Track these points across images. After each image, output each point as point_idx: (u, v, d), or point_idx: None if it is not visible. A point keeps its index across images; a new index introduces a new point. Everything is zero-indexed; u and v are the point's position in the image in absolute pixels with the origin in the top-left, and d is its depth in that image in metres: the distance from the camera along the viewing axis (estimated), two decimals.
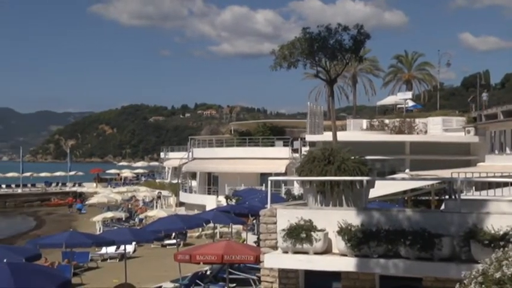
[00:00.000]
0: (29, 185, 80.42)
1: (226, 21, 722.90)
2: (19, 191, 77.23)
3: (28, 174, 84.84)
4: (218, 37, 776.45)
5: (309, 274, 12.59)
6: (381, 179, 18.94)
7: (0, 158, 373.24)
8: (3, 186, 78.45)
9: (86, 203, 61.82)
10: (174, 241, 31.38)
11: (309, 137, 39.35)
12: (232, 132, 59.34)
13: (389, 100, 56.74)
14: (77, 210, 57.32)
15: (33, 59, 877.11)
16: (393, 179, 24.09)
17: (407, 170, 35.19)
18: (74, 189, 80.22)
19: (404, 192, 27.65)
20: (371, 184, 12.92)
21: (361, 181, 12.50)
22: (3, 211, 70.25)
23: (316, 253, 11.94)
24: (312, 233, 11.92)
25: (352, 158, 13.06)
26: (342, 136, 26.94)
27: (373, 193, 14.56)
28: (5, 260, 12.56)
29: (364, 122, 44.83)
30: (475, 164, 34.11)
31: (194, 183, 53.05)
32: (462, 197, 12.40)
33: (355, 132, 42.02)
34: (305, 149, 36.47)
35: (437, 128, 41.14)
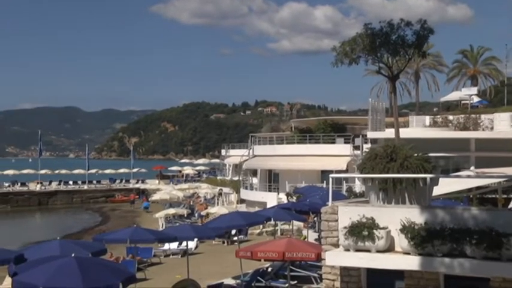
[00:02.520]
0: (95, 182, 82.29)
1: (285, 18, 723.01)
2: (85, 187, 79.17)
3: (93, 171, 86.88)
4: (277, 34, 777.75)
5: (372, 272, 12.45)
6: (445, 176, 18.51)
7: (67, 156, 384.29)
8: (70, 182, 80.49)
9: (149, 199, 62.86)
10: (235, 238, 31.58)
11: (371, 134, 38.88)
12: (293, 129, 59.21)
13: (453, 96, 55.55)
14: (144, 209, 58.24)
15: (98, 60, 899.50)
16: (458, 176, 23.51)
17: (472, 168, 34.31)
18: (137, 186, 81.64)
19: (469, 190, 26.96)
20: (435, 182, 12.66)
21: (425, 179, 12.27)
22: (70, 207, 72.31)
23: (378, 251, 11.79)
24: (374, 230, 11.78)
25: (415, 155, 12.83)
26: (404, 133, 26.49)
27: (437, 191, 14.26)
28: (72, 255, 12.84)
29: (427, 119, 43.93)
30: None
31: (255, 180, 53.26)
32: None
33: (418, 128, 41.20)
34: (366, 146, 36.16)
35: (504, 125, 39.88)
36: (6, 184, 75.20)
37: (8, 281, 19.59)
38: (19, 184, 75.37)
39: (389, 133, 33.77)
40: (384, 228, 11.83)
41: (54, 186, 77.83)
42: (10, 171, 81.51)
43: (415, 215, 11.71)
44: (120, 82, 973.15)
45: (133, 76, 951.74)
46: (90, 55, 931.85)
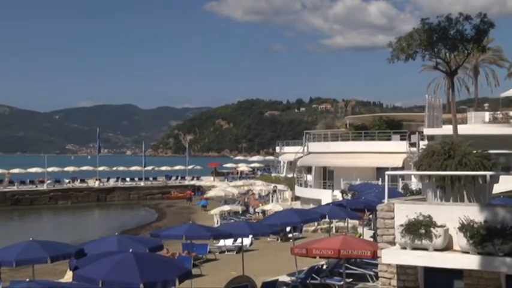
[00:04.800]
0: (151, 179, 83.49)
1: (339, 14, 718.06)
2: (142, 184, 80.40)
3: (150, 168, 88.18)
4: (330, 30, 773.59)
5: (429, 271, 12.26)
6: (506, 173, 18.06)
7: (124, 152, 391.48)
8: (127, 179, 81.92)
9: (204, 196, 63.39)
10: (290, 235, 31.56)
11: (427, 131, 38.27)
12: (348, 126, 58.74)
13: None
14: (202, 207, 58.78)
15: (154, 58, 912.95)
16: None
17: None
18: (193, 182, 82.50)
19: None
20: (495, 179, 12.38)
21: (484, 176, 12.01)
22: (128, 203, 73.61)
23: (436, 250, 11.61)
24: (432, 229, 11.60)
25: (474, 152, 12.58)
26: (462, 129, 26.04)
27: (497, 188, 13.93)
28: (130, 250, 13.08)
29: (487, 115, 42.87)
30: None
31: (309, 177, 53.08)
32: None
33: (477, 125, 40.30)
34: (423, 143, 35.54)
35: None
36: (67, 180, 77.12)
37: (69, 274, 20.10)
38: (79, 180, 77.16)
39: (447, 130, 33.14)
40: (441, 226, 11.64)
41: (112, 182, 79.34)
42: (70, 168, 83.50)
43: (474, 213, 11.48)
44: (175, 80, 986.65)
45: (188, 73, 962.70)
46: (146, 54, 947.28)
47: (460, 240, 11.37)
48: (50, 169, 78.11)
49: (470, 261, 11.20)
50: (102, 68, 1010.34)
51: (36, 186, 73.00)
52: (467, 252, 11.29)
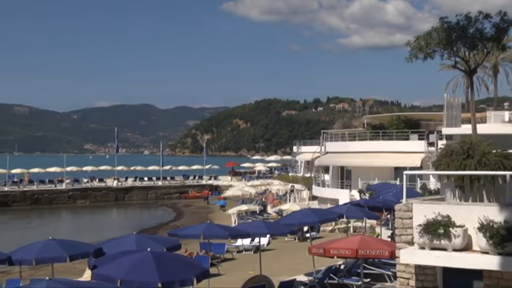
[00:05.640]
0: (169, 178, 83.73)
1: (356, 13, 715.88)
2: (159, 183, 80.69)
3: (167, 167, 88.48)
4: (347, 29, 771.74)
5: (448, 271, 12.17)
6: None
7: (142, 152, 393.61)
8: (145, 178, 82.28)
9: (222, 196, 63.47)
10: (307, 235, 31.49)
11: (446, 130, 38.00)
12: (365, 125, 58.51)
13: None
14: (221, 207, 58.84)
15: (171, 58, 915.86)
16: None
17: None
18: (210, 182, 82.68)
19: None
20: None
21: (504, 176, 11.90)
22: (146, 202, 73.96)
23: (455, 250, 11.52)
24: (450, 229, 11.52)
25: (494, 151, 12.47)
26: (481, 129, 25.80)
27: None
28: (148, 249, 13.13)
29: (507, 114, 42.48)
30: None
31: (327, 177, 52.96)
32: None
33: (496, 124, 39.96)
34: (441, 143, 35.30)
35: None
36: (85, 180, 77.64)
37: (88, 273, 20.26)
38: (97, 180, 77.64)
39: (465, 129, 32.90)
40: (460, 226, 11.55)
41: (130, 182, 79.76)
42: (89, 168, 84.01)
43: (493, 213, 11.37)
44: (192, 79, 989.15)
45: (205, 73, 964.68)
46: (164, 54, 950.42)
47: (479, 241, 11.28)
48: (68, 169, 78.68)
49: (490, 262, 11.10)
50: (120, 68, 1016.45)
51: (55, 186, 73.63)
52: (487, 253, 11.19)
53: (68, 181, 74.95)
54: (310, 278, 21.40)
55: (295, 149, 78.49)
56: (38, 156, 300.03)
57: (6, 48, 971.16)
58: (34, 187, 71.56)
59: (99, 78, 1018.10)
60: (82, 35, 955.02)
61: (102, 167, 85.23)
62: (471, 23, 17.30)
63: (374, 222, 33.69)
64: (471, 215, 11.55)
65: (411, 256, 12.06)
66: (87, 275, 21.85)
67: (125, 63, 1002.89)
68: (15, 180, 74.49)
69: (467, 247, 11.62)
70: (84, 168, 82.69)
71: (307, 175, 60.40)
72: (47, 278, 10.07)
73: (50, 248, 15.76)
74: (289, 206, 42.68)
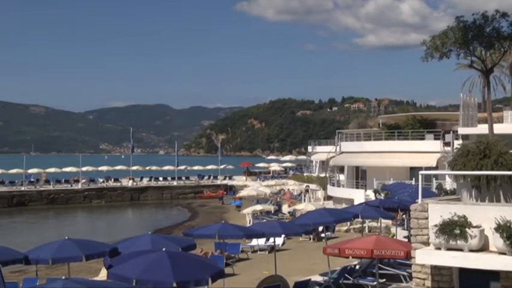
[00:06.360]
0: (183, 178, 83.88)
1: (371, 13, 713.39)
2: (174, 183, 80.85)
3: (182, 167, 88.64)
4: (362, 29, 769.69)
5: (464, 272, 12.10)
6: None
7: (157, 152, 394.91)
8: (160, 178, 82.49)
9: (237, 196, 63.49)
10: (322, 235, 31.43)
11: (462, 130, 37.76)
12: (381, 125, 58.30)
13: None
14: (236, 207, 58.80)
15: (186, 58, 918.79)
16: None
17: None
18: (225, 182, 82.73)
19: None
20: None
21: None
22: (161, 202, 74.16)
23: (471, 250, 11.45)
24: (467, 229, 11.44)
25: (511, 151, 12.39)
26: (498, 129, 25.59)
27: None
28: (163, 249, 13.16)
29: None
30: None
31: (342, 177, 52.85)
32: None
33: None
34: (457, 143, 35.08)
35: None
36: (101, 180, 78.03)
37: (103, 272, 20.37)
38: (112, 180, 77.98)
39: (482, 129, 32.67)
40: (477, 226, 11.47)
41: (145, 182, 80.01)
42: (104, 167, 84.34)
43: (510, 214, 11.28)
44: (207, 80, 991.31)
45: (220, 73, 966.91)
46: (178, 55, 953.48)
47: (496, 241, 11.20)
48: (84, 168, 79.06)
49: (508, 263, 11.01)
50: (135, 68, 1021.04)
51: (71, 186, 74.11)
52: (504, 253, 11.11)
53: (83, 181, 75.42)
54: (325, 278, 21.35)
55: (310, 149, 78.37)
56: (54, 156, 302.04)
57: (22, 48, 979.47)
58: (50, 187, 72.05)
59: (114, 79, 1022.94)
60: (98, 34, 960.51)
61: (118, 167, 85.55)
62: (488, 21, 17.18)
63: (389, 222, 33.55)
64: (488, 215, 11.47)
65: (427, 256, 11.99)
66: (103, 275, 21.98)
67: (139, 64, 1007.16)
68: (31, 180, 75.01)
69: (483, 248, 11.54)
70: (100, 168, 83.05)
71: (322, 175, 60.28)
72: (63, 277, 10.12)
73: (66, 248, 15.85)
74: (304, 206, 42.63)
